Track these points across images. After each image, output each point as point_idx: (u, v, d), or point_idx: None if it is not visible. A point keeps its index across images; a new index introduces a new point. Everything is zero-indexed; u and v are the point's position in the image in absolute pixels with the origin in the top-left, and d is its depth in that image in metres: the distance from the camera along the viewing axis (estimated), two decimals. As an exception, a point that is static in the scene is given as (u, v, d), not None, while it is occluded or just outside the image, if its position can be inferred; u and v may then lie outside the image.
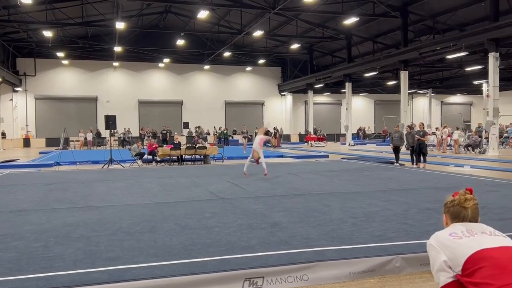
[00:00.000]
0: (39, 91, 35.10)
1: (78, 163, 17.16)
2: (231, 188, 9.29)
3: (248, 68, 39.86)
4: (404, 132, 16.30)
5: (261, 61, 37.93)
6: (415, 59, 25.79)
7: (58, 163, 17.07)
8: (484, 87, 34.94)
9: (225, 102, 39.85)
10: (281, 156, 20.70)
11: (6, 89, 32.87)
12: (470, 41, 20.56)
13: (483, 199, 7.53)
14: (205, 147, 17.55)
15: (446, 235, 2.21)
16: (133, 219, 6.16)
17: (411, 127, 15.45)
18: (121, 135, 32.37)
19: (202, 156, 17.34)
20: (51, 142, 32.97)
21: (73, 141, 31.30)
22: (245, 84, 40.61)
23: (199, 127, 24.36)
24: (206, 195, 8.40)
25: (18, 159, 19.65)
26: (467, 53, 22.92)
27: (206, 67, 38.32)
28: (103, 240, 5.06)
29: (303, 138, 37.58)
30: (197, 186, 9.60)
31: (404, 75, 25.68)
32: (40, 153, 25.23)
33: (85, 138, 31.81)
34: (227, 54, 34.50)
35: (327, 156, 20.45)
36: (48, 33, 27.46)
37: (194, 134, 22.84)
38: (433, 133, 26.08)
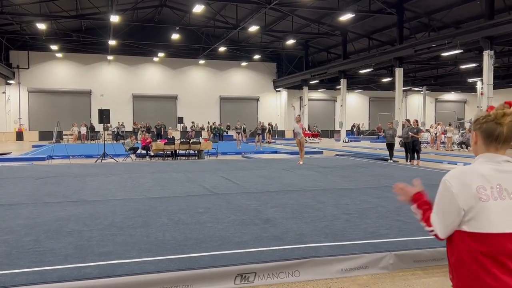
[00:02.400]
0: (33, 84, 34.82)
1: (71, 157, 17.06)
2: (224, 183, 9.27)
3: (243, 64, 39.76)
4: (400, 125, 16.37)
5: (256, 57, 37.84)
6: (410, 56, 25.83)
7: (51, 157, 16.94)
8: (479, 85, 35.03)
9: (220, 97, 39.75)
10: (275, 152, 20.69)
11: (-2, 82, 32.62)
12: (465, 39, 20.59)
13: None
14: (199, 142, 17.50)
15: (474, 184, 1.71)
16: (126, 214, 6.13)
17: (408, 121, 15.51)
18: (115, 129, 32.20)
19: (196, 151, 17.29)
20: (44, 135, 32.77)
21: (66, 134, 31.12)
22: (240, 79, 40.52)
23: (262, 124, 23.11)
24: (199, 190, 8.37)
25: (11, 152, 19.50)
26: (462, 50, 22.98)
27: (201, 62, 38.17)
28: (95, 234, 5.02)
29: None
30: (191, 181, 9.57)
31: (399, 72, 25.72)
32: (33, 146, 25.07)
33: (79, 132, 31.63)
34: (222, 49, 34.38)
35: (321, 152, 20.47)
36: (41, 26, 27.22)
37: (259, 131, 22.57)
38: (427, 131, 26.18)
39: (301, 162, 13.64)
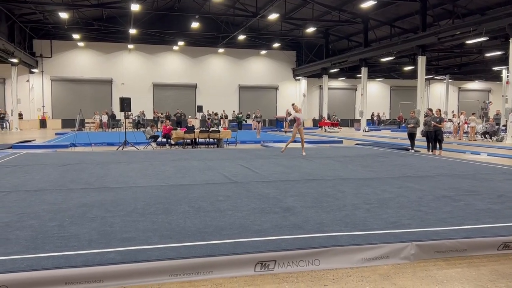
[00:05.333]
0: (55, 72, 35.40)
1: (93, 144, 17.34)
2: (244, 172, 9.29)
3: (263, 52, 39.58)
4: (422, 115, 16.06)
5: (276, 45, 37.61)
6: (433, 44, 25.29)
7: (73, 144, 17.26)
8: (504, 74, 34.16)
9: (239, 86, 39.72)
10: (294, 141, 20.58)
11: (23, 71, 33.21)
12: (490, 26, 20.04)
13: (500, 188, 7.42)
14: (219, 131, 17.57)
15: None
16: (147, 201, 6.21)
17: (431, 110, 15.24)
18: (136, 118, 32.55)
19: (215, 140, 17.37)
20: (67, 123, 33.38)
21: (88, 122, 31.62)
22: (259, 68, 40.38)
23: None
24: (219, 178, 8.41)
25: (35, 140, 19.93)
26: (487, 38, 22.39)
27: (221, 50, 38.14)
28: (117, 221, 5.11)
29: (317, 123, 37.38)
30: (211, 170, 9.62)
31: (421, 61, 25.23)
32: (56, 134, 25.56)
33: (100, 120, 32.08)
34: (241, 37, 34.25)
35: (341, 142, 20.32)
36: (64, 15, 27.55)
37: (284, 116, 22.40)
38: (450, 120, 25.70)
39: (304, 153, 12.76)
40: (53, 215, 5.35)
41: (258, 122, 24.87)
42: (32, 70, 34.27)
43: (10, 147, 16.00)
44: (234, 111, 37.52)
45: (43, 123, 34.05)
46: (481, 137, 21.83)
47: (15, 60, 28.55)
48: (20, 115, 32.23)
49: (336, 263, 4.06)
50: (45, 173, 9.04)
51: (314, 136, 25.64)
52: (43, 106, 35.52)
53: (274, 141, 20.15)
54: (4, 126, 30.10)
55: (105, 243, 4.21)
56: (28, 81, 34.68)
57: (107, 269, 3.62)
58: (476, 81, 45.52)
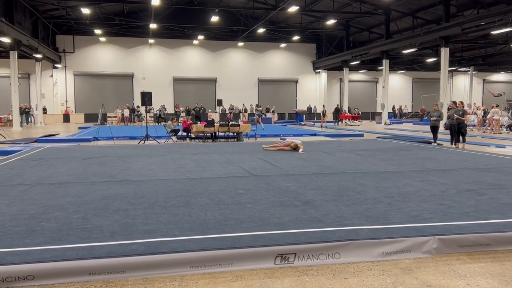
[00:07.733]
0: (78, 67, 35.98)
1: (115, 138, 17.59)
2: (263, 165, 9.30)
3: (282, 45, 39.39)
4: (446, 107, 15.80)
5: (296, 38, 37.36)
6: (457, 35, 24.73)
7: (96, 138, 17.55)
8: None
9: (258, 79, 39.67)
10: (315, 135, 20.52)
11: (46, 66, 33.89)
12: (517, 16, 19.50)
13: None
14: (239, 125, 17.60)
15: None
16: (169, 194, 6.28)
17: (455, 102, 14.98)
18: (158, 112, 32.87)
19: (235, 134, 17.43)
20: (90, 117, 33.95)
21: (110, 117, 32.08)
22: (279, 61, 40.23)
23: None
24: (239, 171, 8.44)
25: (59, 134, 20.33)
26: (513, 28, 21.79)
27: (240, 44, 38.12)
28: (139, 213, 5.18)
29: (337, 116, 37.04)
30: (230, 163, 9.66)
31: (444, 52, 24.72)
32: (79, 128, 26.03)
33: (122, 114, 32.51)
34: (261, 30, 34.14)
35: (361, 135, 20.13)
36: (85, 10, 27.95)
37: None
38: (475, 113, 25.16)
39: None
40: (77, 208, 5.46)
41: (259, 116, 25.01)
42: (55, 65, 34.94)
43: (35, 141, 16.40)
44: (251, 104, 37.47)
45: (66, 118, 34.72)
46: (507, 130, 21.33)
47: (39, 56, 29.12)
48: (44, 109, 32.91)
49: (357, 257, 4.04)
50: (69, 166, 9.22)
51: (334, 129, 25.46)
52: (66, 101, 36.19)
53: (294, 134, 20.10)
54: (29, 120, 30.80)
55: (128, 235, 4.28)
56: (51, 76, 35.37)
57: (129, 260, 3.68)
58: (502, 72, 44.40)
